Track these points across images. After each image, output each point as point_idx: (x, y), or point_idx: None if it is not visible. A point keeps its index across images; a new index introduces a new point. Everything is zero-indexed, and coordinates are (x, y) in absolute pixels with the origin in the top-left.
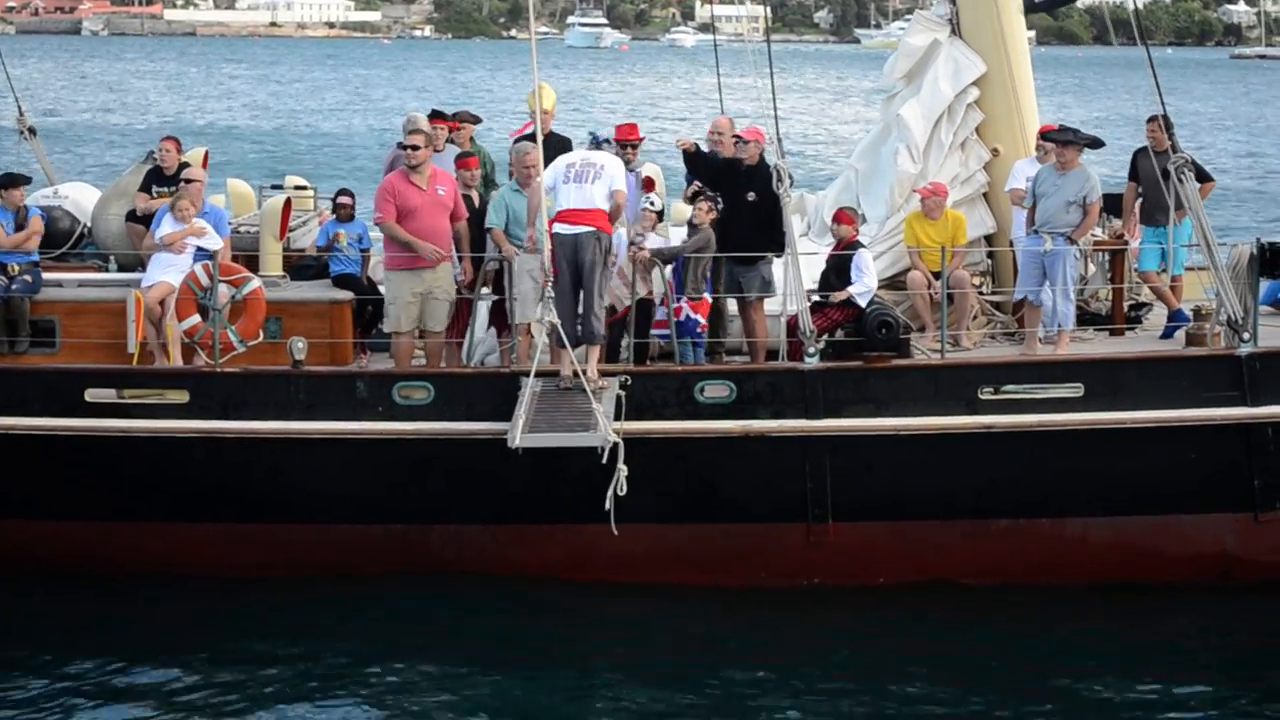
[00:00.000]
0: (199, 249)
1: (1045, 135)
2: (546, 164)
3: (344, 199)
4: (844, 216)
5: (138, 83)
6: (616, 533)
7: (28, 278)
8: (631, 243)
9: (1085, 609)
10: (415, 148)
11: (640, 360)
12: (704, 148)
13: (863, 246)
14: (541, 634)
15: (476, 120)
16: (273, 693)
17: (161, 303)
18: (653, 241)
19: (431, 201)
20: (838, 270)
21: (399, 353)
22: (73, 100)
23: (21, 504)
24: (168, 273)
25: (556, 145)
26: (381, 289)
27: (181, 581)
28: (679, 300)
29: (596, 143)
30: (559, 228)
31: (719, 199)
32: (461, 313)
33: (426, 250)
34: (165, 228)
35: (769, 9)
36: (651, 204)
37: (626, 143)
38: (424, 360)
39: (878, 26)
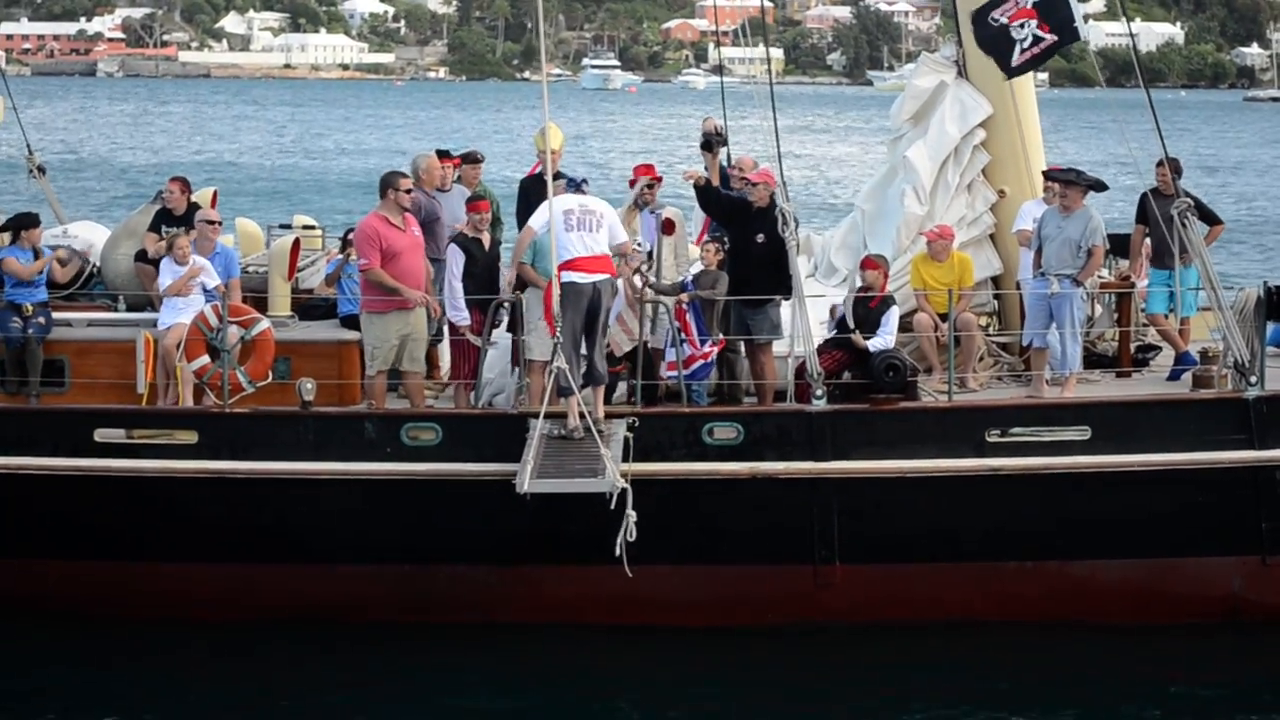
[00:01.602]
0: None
1: (1049, 174)
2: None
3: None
4: (870, 263)
5: (149, 123)
6: (631, 575)
7: (40, 319)
8: (638, 286)
9: (1092, 651)
10: (409, 191)
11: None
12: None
13: (894, 303)
14: (545, 674)
15: (480, 159)
16: None
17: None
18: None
19: (413, 243)
20: (862, 316)
21: (375, 393)
22: (83, 140)
23: (31, 544)
24: (181, 315)
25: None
26: None
27: (189, 623)
28: (708, 341)
29: (576, 185)
30: (576, 276)
31: (725, 240)
32: (469, 354)
33: (415, 296)
34: (167, 276)
35: (782, 51)
36: (639, 245)
37: (644, 182)
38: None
39: (890, 69)
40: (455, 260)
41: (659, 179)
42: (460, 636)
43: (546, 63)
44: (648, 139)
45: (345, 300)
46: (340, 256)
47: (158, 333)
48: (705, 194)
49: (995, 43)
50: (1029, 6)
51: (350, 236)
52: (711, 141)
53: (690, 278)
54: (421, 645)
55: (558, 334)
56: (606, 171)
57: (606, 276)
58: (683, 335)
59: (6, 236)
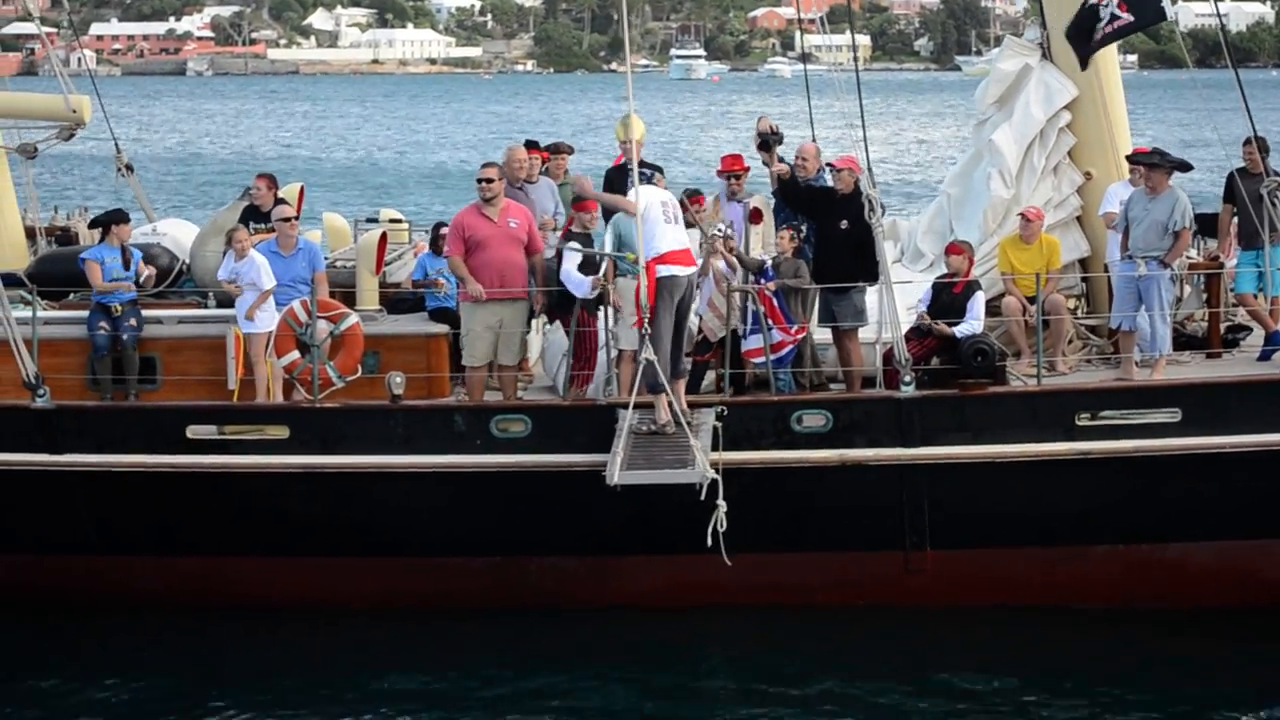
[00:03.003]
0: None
1: (1133, 159)
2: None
3: (445, 231)
4: (955, 249)
5: (239, 120)
6: (730, 564)
7: (133, 320)
8: (724, 271)
9: (1186, 634)
10: (489, 180)
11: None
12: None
13: (979, 287)
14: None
15: (570, 151)
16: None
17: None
18: (722, 268)
19: (502, 234)
20: (948, 302)
21: (472, 386)
22: (172, 138)
23: (125, 541)
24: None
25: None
26: None
27: (282, 615)
28: (789, 326)
29: (647, 178)
30: (674, 269)
31: (801, 228)
32: (584, 346)
33: (474, 290)
34: (225, 270)
35: (869, 37)
36: (719, 230)
37: (731, 173)
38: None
39: (978, 53)
40: (569, 258)
41: (746, 169)
42: (541, 620)
43: (632, 54)
44: (729, 129)
45: (433, 295)
46: (428, 251)
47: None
48: (786, 187)
49: (1080, 23)
50: None
51: (440, 230)
52: (768, 141)
53: (770, 262)
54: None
55: (646, 325)
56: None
57: (695, 269)
58: (770, 321)
59: (96, 234)
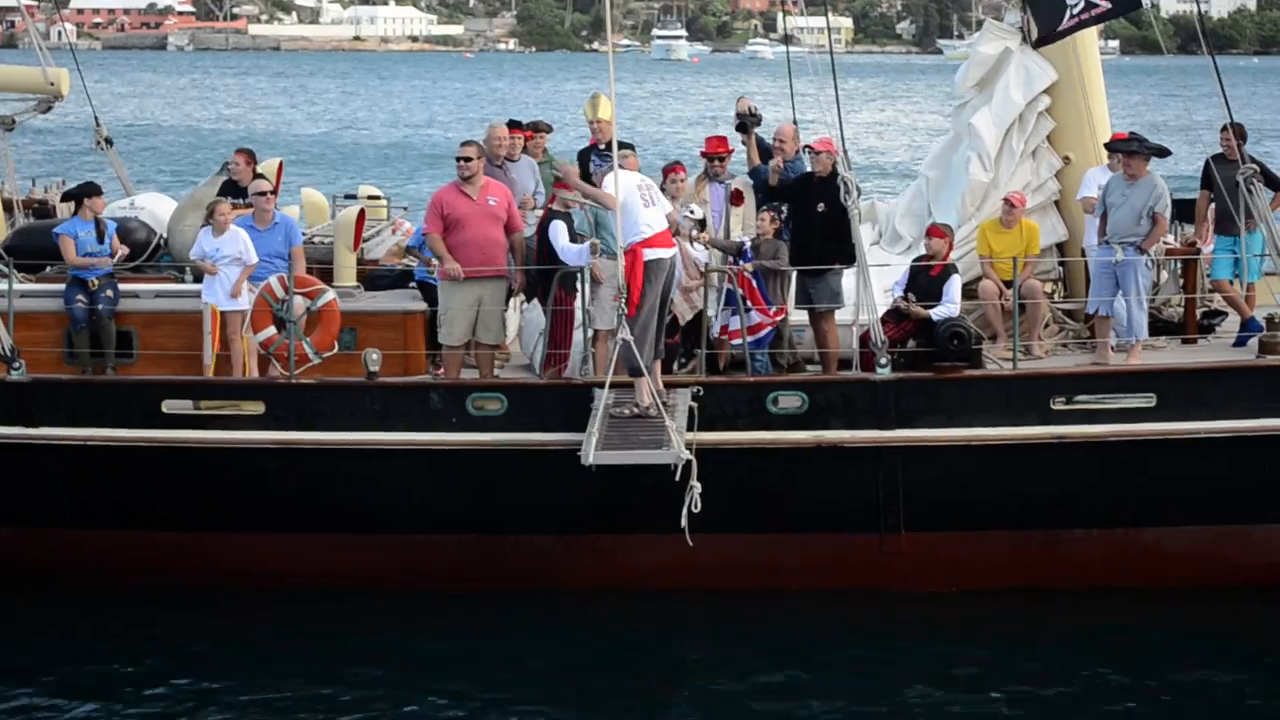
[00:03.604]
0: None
1: (1111, 145)
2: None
3: None
4: (936, 231)
5: (218, 94)
6: (692, 544)
7: (109, 292)
8: (694, 255)
9: (1160, 616)
10: (468, 159)
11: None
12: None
13: (956, 271)
14: (599, 639)
15: (549, 129)
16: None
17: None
18: (699, 252)
19: (482, 212)
20: (925, 285)
21: (448, 364)
22: (151, 112)
23: (100, 515)
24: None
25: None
26: None
27: (257, 591)
28: (773, 308)
29: (603, 157)
30: (660, 253)
31: (782, 210)
32: (561, 325)
33: (451, 269)
34: (202, 244)
35: (851, 20)
36: (692, 212)
37: (715, 155)
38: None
39: (960, 37)
40: (560, 231)
41: (730, 151)
42: (512, 603)
43: (614, 34)
44: (707, 109)
45: (421, 267)
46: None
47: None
48: (772, 189)
49: (1043, 2)
50: None
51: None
52: (746, 123)
53: (748, 244)
54: (481, 607)
55: (622, 304)
56: (660, 142)
57: (675, 251)
58: (748, 303)
59: (69, 209)
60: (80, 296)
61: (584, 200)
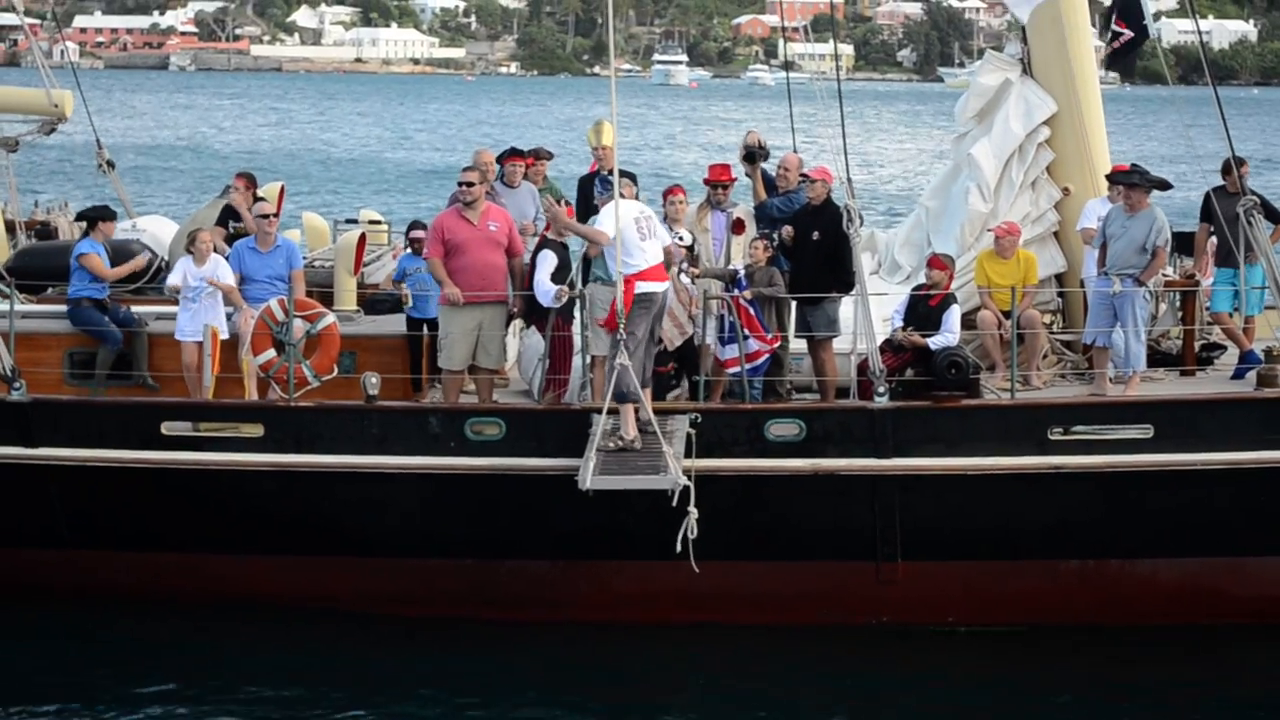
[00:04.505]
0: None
1: (1112, 178)
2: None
3: (417, 233)
4: (937, 262)
5: (220, 117)
6: (696, 571)
7: (125, 307)
8: (685, 284)
9: (1154, 650)
10: (470, 184)
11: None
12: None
13: (955, 300)
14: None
15: (549, 156)
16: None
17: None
18: (686, 281)
19: (483, 237)
20: (924, 314)
21: (448, 389)
22: (153, 134)
23: (99, 535)
24: (197, 318)
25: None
26: None
27: (254, 611)
28: (764, 335)
29: (608, 184)
30: (652, 286)
31: (774, 237)
32: (559, 351)
33: (452, 294)
34: (177, 274)
35: (852, 47)
36: (681, 239)
37: (718, 183)
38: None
39: (961, 65)
40: (547, 263)
41: (733, 180)
42: (508, 631)
43: (616, 58)
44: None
45: (415, 307)
46: (406, 252)
47: (181, 336)
48: (764, 208)
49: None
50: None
51: (413, 232)
52: (754, 154)
53: (742, 271)
54: (471, 638)
55: (621, 331)
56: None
57: (669, 284)
58: (745, 331)
59: (76, 228)
60: (105, 318)
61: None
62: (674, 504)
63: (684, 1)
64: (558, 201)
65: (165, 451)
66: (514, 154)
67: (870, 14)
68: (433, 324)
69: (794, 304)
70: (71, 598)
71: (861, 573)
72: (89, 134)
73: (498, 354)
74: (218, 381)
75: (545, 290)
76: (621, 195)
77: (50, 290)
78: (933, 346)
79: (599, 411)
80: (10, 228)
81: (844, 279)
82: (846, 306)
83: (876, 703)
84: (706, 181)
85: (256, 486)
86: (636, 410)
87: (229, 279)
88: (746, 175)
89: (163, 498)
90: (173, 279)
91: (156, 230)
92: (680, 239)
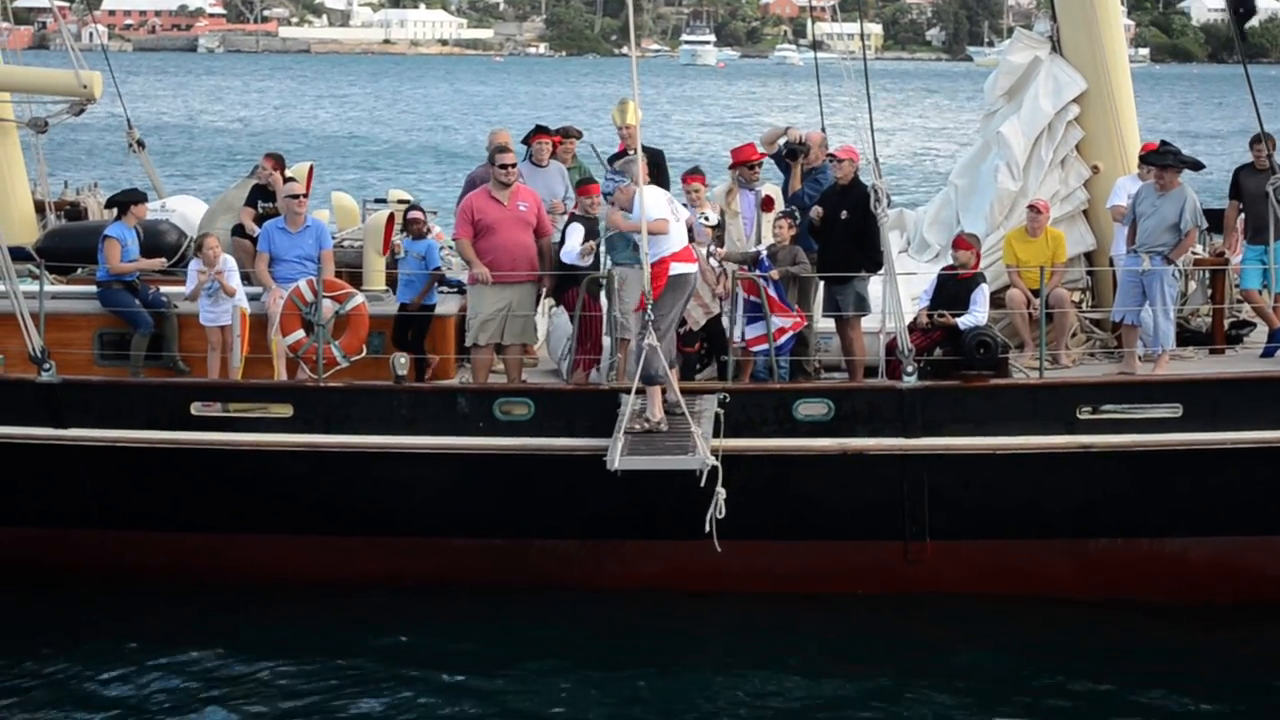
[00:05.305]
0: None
1: (1145, 158)
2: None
3: (415, 214)
4: (963, 242)
5: (250, 96)
6: (720, 549)
7: (154, 288)
8: (713, 265)
9: (1184, 628)
10: (512, 165)
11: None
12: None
13: (984, 280)
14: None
15: (579, 135)
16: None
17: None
18: (712, 261)
19: (513, 217)
20: (953, 293)
21: (476, 367)
22: (183, 114)
23: (128, 516)
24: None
25: (650, 159)
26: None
27: (282, 591)
28: (789, 315)
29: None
30: (686, 268)
31: (797, 215)
32: (588, 329)
33: (480, 274)
34: (193, 279)
35: (881, 27)
36: (706, 219)
37: (746, 163)
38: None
39: (990, 44)
40: (576, 234)
41: (761, 157)
42: (535, 601)
43: (644, 39)
44: (730, 114)
45: (402, 283)
46: (402, 234)
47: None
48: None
49: None
50: None
51: (411, 214)
52: (796, 151)
53: (765, 251)
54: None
55: (650, 311)
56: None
57: (697, 266)
58: (770, 310)
59: (105, 210)
60: (135, 300)
61: (600, 200)
62: (702, 484)
63: None
64: (585, 182)
65: (194, 432)
66: (540, 132)
67: None
68: (412, 308)
69: (821, 283)
70: (101, 578)
71: (890, 552)
72: (112, 115)
73: (527, 334)
74: (247, 362)
75: (570, 251)
76: (632, 172)
77: (79, 271)
78: (961, 326)
79: (628, 392)
80: (40, 208)
81: (873, 258)
82: (875, 285)
83: (895, 671)
84: (733, 166)
85: (285, 467)
86: (664, 392)
87: (235, 281)
88: (784, 169)
89: (192, 478)
90: (188, 287)
91: (186, 210)
92: (705, 219)
